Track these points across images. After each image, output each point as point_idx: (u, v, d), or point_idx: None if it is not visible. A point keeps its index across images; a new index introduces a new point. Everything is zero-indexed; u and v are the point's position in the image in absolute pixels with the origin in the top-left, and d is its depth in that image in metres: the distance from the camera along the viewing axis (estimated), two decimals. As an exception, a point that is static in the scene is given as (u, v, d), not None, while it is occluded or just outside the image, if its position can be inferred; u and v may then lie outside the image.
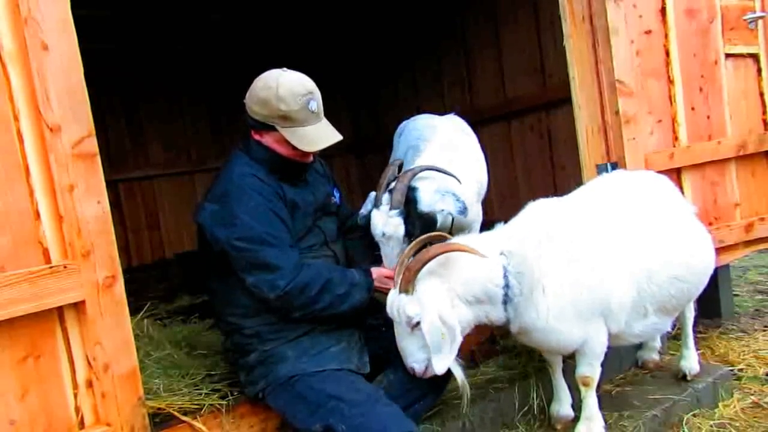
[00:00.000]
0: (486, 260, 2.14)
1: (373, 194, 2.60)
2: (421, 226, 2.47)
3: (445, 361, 2.08)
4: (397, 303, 2.10)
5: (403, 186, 2.48)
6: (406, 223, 2.47)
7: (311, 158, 2.34)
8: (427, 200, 2.47)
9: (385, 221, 2.46)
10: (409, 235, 2.48)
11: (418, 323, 2.07)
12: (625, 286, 2.32)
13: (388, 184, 2.57)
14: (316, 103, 2.21)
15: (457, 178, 2.63)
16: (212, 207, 2.19)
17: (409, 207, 2.48)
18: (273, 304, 2.17)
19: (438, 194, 2.49)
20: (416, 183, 2.54)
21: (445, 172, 2.60)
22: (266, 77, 2.21)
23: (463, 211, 2.48)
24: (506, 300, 2.18)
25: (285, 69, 2.24)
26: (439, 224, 2.46)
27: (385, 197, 2.50)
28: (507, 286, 2.17)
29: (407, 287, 2.08)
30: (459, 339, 2.11)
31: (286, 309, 2.19)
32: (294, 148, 2.21)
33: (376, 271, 2.36)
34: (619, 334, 2.41)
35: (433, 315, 2.05)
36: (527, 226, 2.31)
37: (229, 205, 2.14)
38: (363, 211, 2.61)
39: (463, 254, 2.13)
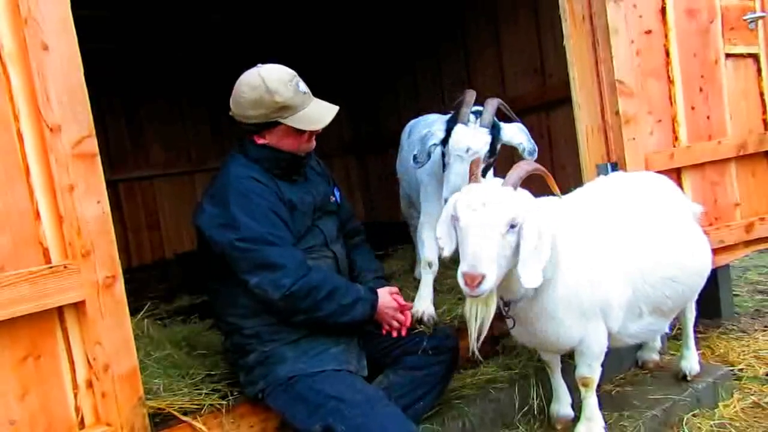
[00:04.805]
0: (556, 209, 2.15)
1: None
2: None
3: (536, 273, 1.93)
4: (500, 198, 1.91)
5: (492, 107, 2.51)
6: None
7: (314, 144, 2.35)
8: (508, 129, 2.55)
9: (475, 135, 2.45)
10: (491, 155, 2.49)
11: (514, 227, 1.91)
12: (621, 286, 2.32)
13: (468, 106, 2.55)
14: (303, 83, 2.23)
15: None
16: (211, 210, 2.18)
17: (493, 130, 2.50)
18: (277, 305, 2.15)
19: (516, 127, 2.56)
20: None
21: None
22: (246, 80, 2.18)
23: (533, 152, 2.56)
24: None
25: (259, 65, 2.22)
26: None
27: (472, 116, 2.51)
28: None
29: (516, 185, 1.96)
30: (547, 254, 1.96)
31: (290, 311, 2.17)
32: (302, 134, 2.23)
33: (382, 292, 2.34)
34: (615, 335, 2.41)
35: (538, 221, 1.95)
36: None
37: (228, 207, 2.13)
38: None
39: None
